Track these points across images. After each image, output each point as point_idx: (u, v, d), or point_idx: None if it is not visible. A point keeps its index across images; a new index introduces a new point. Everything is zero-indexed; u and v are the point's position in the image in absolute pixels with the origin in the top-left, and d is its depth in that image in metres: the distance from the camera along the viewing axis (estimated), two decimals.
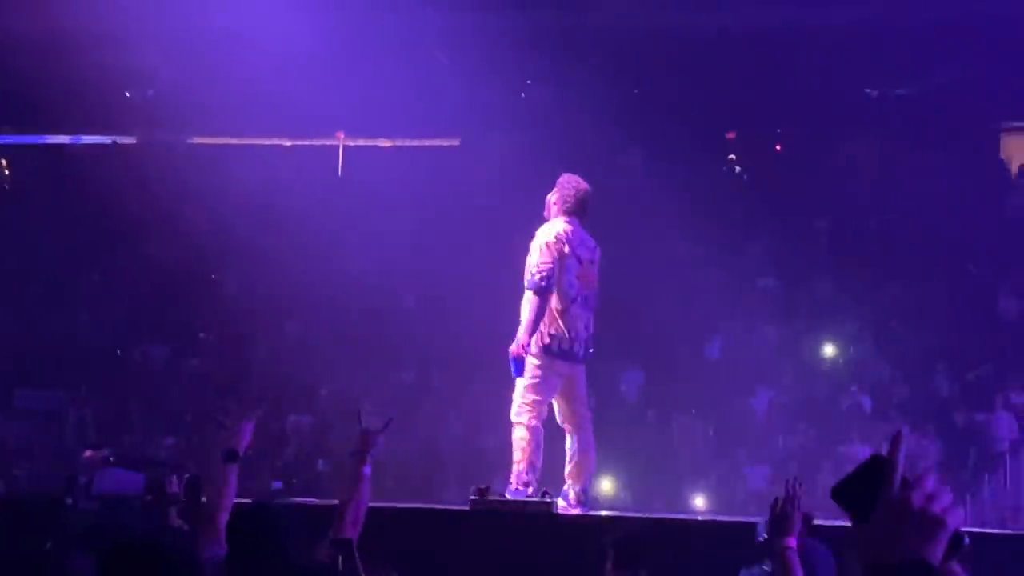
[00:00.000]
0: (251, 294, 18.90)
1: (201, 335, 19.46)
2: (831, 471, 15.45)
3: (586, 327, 8.49)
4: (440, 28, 19.71)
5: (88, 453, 8.63)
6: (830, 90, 20.51)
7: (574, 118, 20.43)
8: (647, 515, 10.49)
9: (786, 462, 15.81)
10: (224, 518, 5.45)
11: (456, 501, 10.81)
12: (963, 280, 18.89)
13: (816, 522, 6.08)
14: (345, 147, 22.08)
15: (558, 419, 8.54)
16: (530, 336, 8.21)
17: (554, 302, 8.32)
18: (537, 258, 8.34)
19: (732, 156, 22.34)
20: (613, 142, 21.20)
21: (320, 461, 16.06)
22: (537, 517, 7.86)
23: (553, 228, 8.44)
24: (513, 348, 8.26)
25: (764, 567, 5.41)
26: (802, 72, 20.13)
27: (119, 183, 20.58)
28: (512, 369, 8.27)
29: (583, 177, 9.25)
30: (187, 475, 6.93)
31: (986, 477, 15.92)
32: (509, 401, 8.46)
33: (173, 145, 22.17)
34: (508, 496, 8.14)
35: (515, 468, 8.17)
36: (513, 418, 8.31)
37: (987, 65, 20.15)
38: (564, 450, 8.54)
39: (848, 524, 2.11)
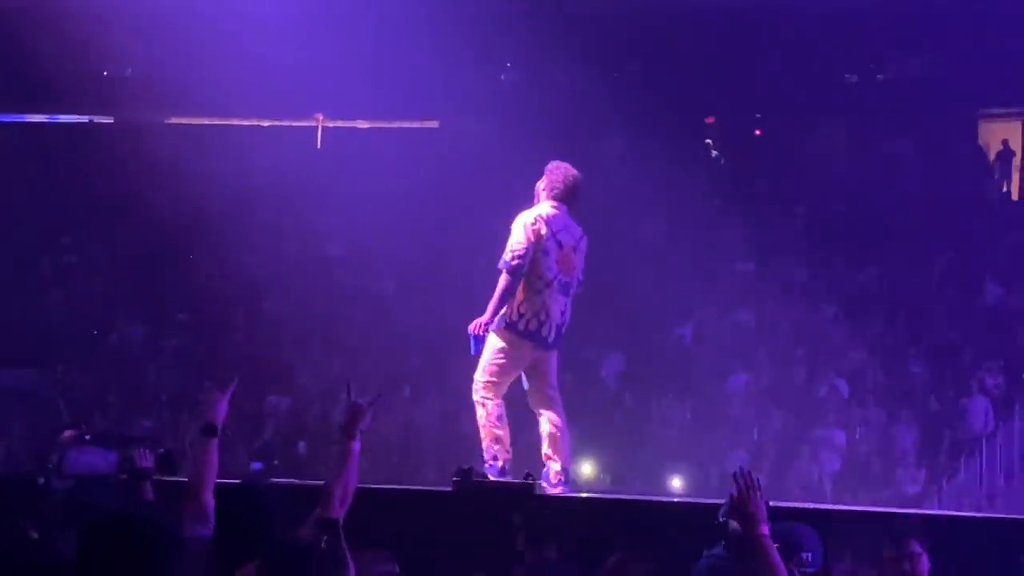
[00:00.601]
0: (228, 275, 18.85)
1: (179, 315, 19.38)
2: (808, 455, 15.53)
3: (561, 312, 8.42)
4: (421, 9, 19.65)
5: (67, 433, 8.57)
6: (810, 76, 20.56)
7: (553, 101, 20.44)
8: (624, 496, 10.53)
9: (764, 446, 15.88)
10: (208, 494, 5.42)
11: (435, 483, 10.81)
12: (940, 265, 18.98)
13: (773, 504, 6.09)
14: (324, 128, 22.02)
15: (529, 403, 8.53)
16: (493, 316, 8.15)
17: (529, 283, 8.27)
18: (513, 239, 8.30)
19: (708, 140, 22.36)
20: (593, 126, 21.21)
21: (301, 444, 16.02)
22: (519, 497, 7.85)
23: (534, 210, 8.38)
24: (472, 326, 8.23)
25: (715, 551, 5.40)
26: (783, 58, 20.17)
27: (96, 162, 20.49)
28: (471, 346, 8.23)
29: (565, 161, 9.10)
30: (160, 450, 6.88)
31: (962, 461, 16.00)
32: None
33: (150, 125, 22.05)
34: (486, 473, 8.14)
35: (483, 446, 8.18)
36: (473, 396, 8.30)
37: (967, 52, 20.23)
38: (538, 433, 8.52)
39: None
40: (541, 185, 8.50)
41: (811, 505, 6.00)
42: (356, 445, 5.42)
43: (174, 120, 22.59)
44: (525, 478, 8.20)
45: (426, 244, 17.85)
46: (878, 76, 21.50)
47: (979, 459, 15.98)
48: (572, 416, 14.97)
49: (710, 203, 20.48)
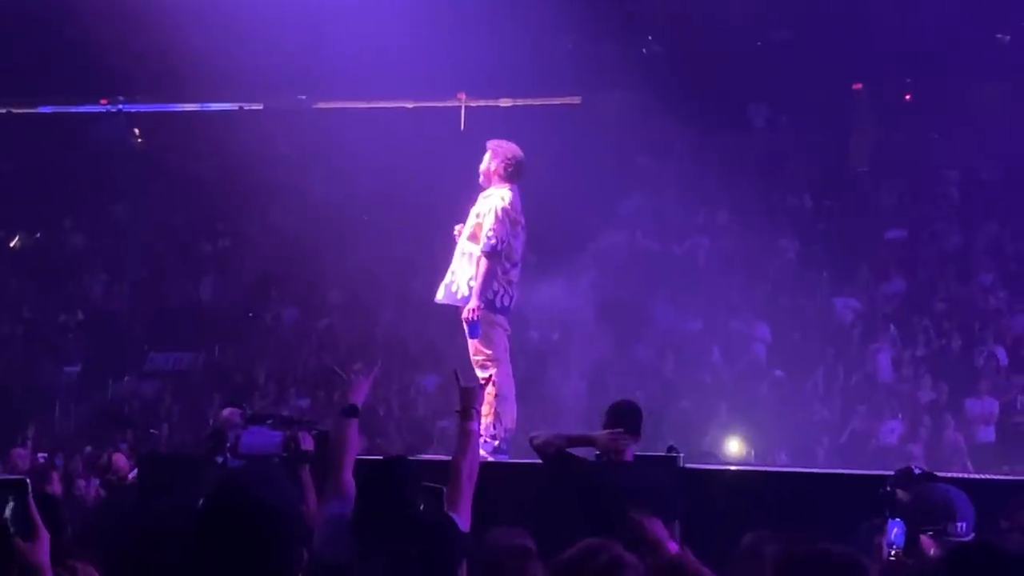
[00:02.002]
0: (377, 255, 19.13)
1: (330, 297, 19.74)
2: (959, 427, 15.17)
3: (519, 284, 8.96)
4: None
5: (227, 411, 8.86)
6: (960, 37, 19.97)
7: (696, 73, 20.27)
8: (772, 468, 10.44)
9: (919, 417, 15.55)
10: (348, 473, 5.59)
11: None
12: None
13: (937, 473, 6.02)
14: (467, 108, 22.14)
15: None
16: (481, 299, 8.57)
17: (502, 263, 8.60)
18: (492, 223, 8.67)
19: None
20: (738, 95, 21.00)
21: (442, 421, 16.14)
22: (659, 470, 7.82)
23: (503, 195, 8.78)
24: (467, 314, 8.57)
25: (877, 521, 5.35)
26: (931, 20, 19.62)
27: (247, 149, 20.93)
28: (468, 332, 8.65)
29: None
30: (315, 432, 7.07)
31: None
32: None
33: (299, 110, 22.45)
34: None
35: (484, 421, 8.37)
36: (478, 373, 8.62)
37: None
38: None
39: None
40: (491, 167, 8.86)
41: (951, 474, 5.93)
42: (475, 425, 5.69)
43: (321, 105, 22.96)
44: (668, 451, 8.22)
45: (568, 220, 17.83)
46: None
47: None
48: (720, 390, 14.84)
49: (859, 170, 20.14)
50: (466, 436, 5.76)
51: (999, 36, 20.91)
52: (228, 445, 7.18)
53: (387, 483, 5.34)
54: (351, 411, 5.81)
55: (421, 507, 5.15)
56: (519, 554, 5.00)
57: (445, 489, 5.37)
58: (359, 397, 5.88)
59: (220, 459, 7.20)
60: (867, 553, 5.25)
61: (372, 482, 5.40)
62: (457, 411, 5.95)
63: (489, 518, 5.57)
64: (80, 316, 20.38)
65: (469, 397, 5.91)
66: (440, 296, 8.97)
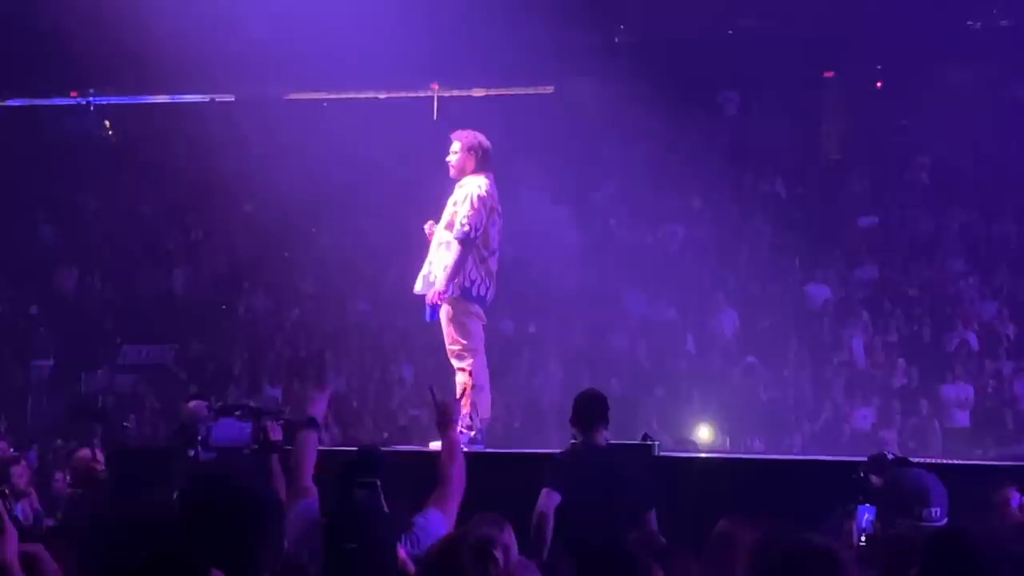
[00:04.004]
0: (350, 246, 19.09)
1: (302, 286, 19.69)
2: (935, 412, 15.27)
3: (496, 276, 8.93)
4: None
5: (192, 404, 8.81)
6: (931, 24, 20.06)
7: (667, 62, 20.29)
8: (743, 456, 10.47)
9: (890, 402, 15.63)
10: (308, 480, 5.84)
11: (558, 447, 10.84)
12: None
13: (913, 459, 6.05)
14: (440, 98, 22.09)
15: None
16: (448, 284, 8.59)
17: (478, 252, 8.61)
18: (467, 210, 8.69)
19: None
20: (710, 83, 21.02)
21: (412, 410, 16.12)
22: (635, 458, 7.85)
23: (480, 183, 8.80)
24: (431, 297, 8.54)
25: (850, 507, 5.38)
26: (902, 7, 19.69)
27: (218, 140, 20.85)
28: (427, 314, 8.66)
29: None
30: (283, 421, 7.09)
31: None
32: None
33: (270, 101, 22.35)
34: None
35: (460, 412, 8.40)
36: (455, 363, 8.64)
37: None
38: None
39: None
40: (463, 159, 8.84)
41: (926, 459, 5.98)
42: (455, 434, 5.87)
43: (293, 96, 22.87)
44: (643, 439, 8.25)
45: (543, 210, 17.85)
46: (1002, 22, 20.89)
47: None
48: (695, 377, 14.89)
49: (831, 157, 20.21)
50: (450, 445, 5.96)
51: (970, 23, 20.99)
52: (199, 438, 7.18)
53: (338, 477, 5.51)
54: (311, 423, 6.07)
55: (359, 501, 5.20)
56: (491, 540, 5.03)
57: (379, 482, 5.47)
58: (318, 411, 6.13)
59: (191, 452, 7.20)
60: (838, 538, 5.29)
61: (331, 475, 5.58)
62: (436, 424, 6.13)
63: (465, 506, 5.62)
64: (51, 309, 20.27)
65: (447, 411, 6.10)
66: (418, 287, 8.93)
